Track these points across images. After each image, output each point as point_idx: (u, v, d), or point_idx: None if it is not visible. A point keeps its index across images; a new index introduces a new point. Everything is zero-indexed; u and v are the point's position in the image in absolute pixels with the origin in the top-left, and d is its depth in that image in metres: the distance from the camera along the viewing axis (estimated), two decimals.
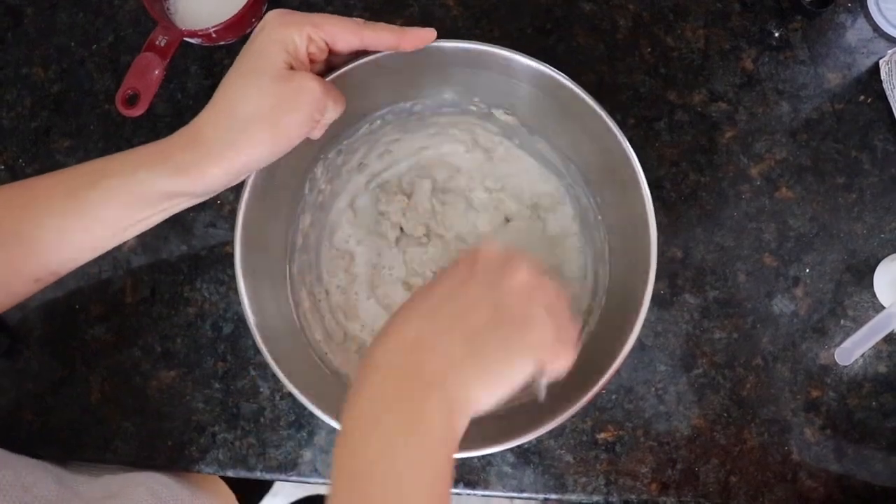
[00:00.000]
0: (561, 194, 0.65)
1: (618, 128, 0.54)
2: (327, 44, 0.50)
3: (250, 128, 0.47)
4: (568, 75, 0.69)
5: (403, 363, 0.43)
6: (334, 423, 0.52)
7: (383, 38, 0.51)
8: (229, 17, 0.65)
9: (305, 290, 0.63)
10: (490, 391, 0.44)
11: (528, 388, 0.46)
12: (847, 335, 0.65)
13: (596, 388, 0.51)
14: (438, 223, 0.66)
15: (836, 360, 0.62)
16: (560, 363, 0.47)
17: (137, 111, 0.64)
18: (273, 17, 0.49)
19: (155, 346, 0.67)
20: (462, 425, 0.43)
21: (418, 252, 0.66)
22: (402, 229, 0.66)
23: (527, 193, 0.66)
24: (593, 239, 0.62)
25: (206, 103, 0.49)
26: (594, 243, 0.62)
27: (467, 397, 0.43)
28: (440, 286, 0.47)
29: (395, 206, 0.66)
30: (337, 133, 0.60)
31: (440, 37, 0.53)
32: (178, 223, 0.69)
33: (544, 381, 0.47)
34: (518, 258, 0.47)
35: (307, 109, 0.48)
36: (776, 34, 0.71)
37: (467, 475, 0.65)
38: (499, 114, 0.62)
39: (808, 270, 0.67)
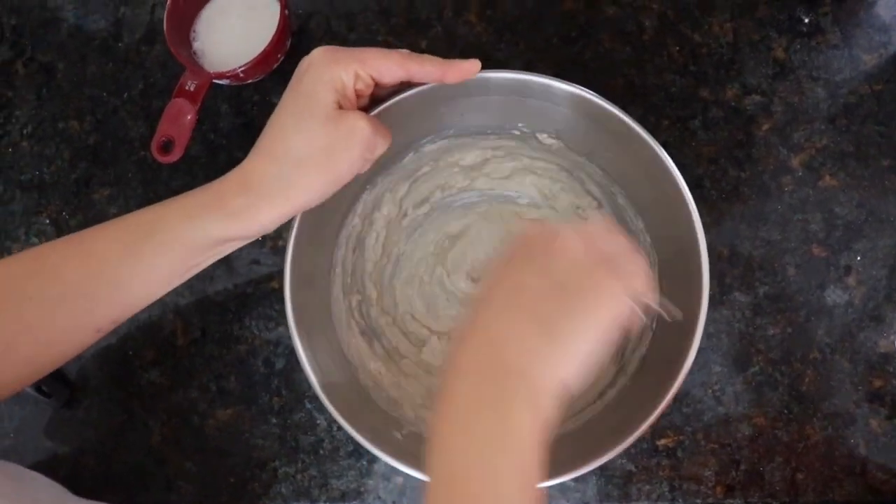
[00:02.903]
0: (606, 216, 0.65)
1: (660, 146, 0.54)
2: (373, 78, 0.50)
3: (302, 170, 0.47)
4: (597, 81, 0.70)
5: (483, 365, 0.43)
6: (396, 464, 0.53)
7: (428, 70, 0.51)
8: (255, 55, 0.66)
9: (353, 320, 0.63)
10: (574, 369, 0.44)
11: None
12: None
13: (665, 401, 0.51)
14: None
15: None
16: (646, 295, 0.46)
17: (173, 157, 0.65)
18: (319, 55, 0.48)
19: (210, 386, 0.68)
20: (552, 411, 0.43)
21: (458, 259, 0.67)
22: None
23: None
24: None
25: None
26: None
27: (552, 383, 0.43)
28: (499, 282, 0.46)
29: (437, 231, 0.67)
30: (382, 163, 0.60)
31: (468, 55, 0.53)
32: (222, 262, 0.69)
33: (653, 310, 0.47)
34: (559, 233, 0.46)
35: (358, 150, 0.48)
36: (806, 20, 0.70)
37: None
38: (543, 138, 0.61)
39: (859, 258, 0.66)
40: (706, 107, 0.69)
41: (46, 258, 0.49)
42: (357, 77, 0.49)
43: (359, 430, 0.53)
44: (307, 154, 0.47)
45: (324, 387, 0.54)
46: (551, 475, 0.51)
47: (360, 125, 0.48)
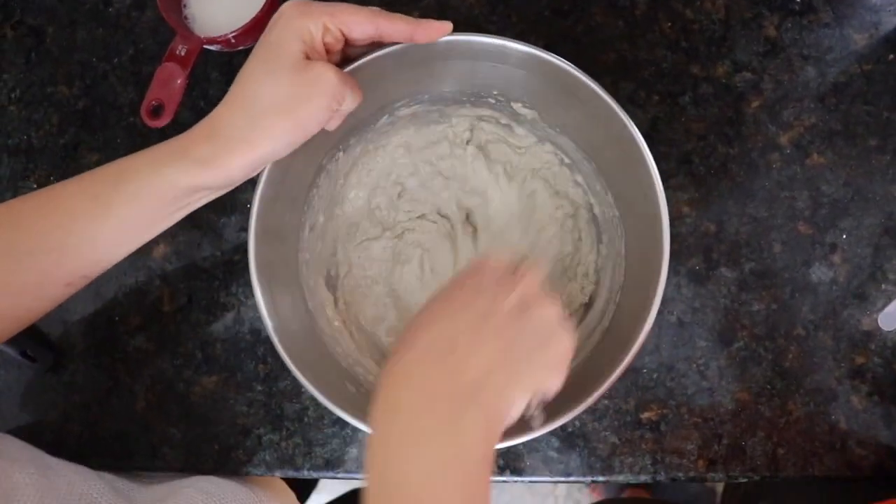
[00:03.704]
0: (578, 188, 0.65)
1: (626, 114, 0.53)
2: (343, 33, 0.50)
3: (268, 118, 0.48)
4: (589, 55, 0.70)
5: (437, 376, 0.43)
6: (344, 415, 0.54)
7: (398, 27, 0.51)
8: (247, 21, 0.66)
9: (322, 279, 0.64)
10: (522, 398, 0.45)
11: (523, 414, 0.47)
12: (889, 299, 0.64)
13: (624, 364, 0.52)
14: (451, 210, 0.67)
15: (880, 326, 0.61)
16: (558, 383, 0.47)
17: (162, 122, 0.64)
18: (289, 7, 0.49)
19: (195, 353, 0.68)
20: (497, 435, 0.44)
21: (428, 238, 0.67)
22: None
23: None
24: (612, 238, 0.62)
25: None
26: (611, 241, 0.62)
27: (501, 406, 0.44)
28: (455, 294, 0.47)
29: (410, 196, 0.67)
30: (355, 124, 0.60)
31: (460, 27, 0.53)
32: (209, 230, 0.69)
33: (538, 405, 0.48)
34: (524, 270, 0.48)
35: (325, 99, 0.49)
36: None
37: (513, 462, 0.65)
38: (518, 107, 0.61)
39: (844, 236, 0.66)
40: (696, 83, 0.69)
41: (17, 212, 0.50)
42: (326, 30, 0.49)
43: (307, 377, 0.53)
44: (272, 102, 0.48)
45: (277, 330, 0.54)
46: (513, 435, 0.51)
47: (326, 75, 0.48)
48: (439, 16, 0.71)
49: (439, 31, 0.52)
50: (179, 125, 0.70)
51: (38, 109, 0.72)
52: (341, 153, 0.63)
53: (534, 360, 0.45)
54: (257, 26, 0.66)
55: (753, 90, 0.69)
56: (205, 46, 0.66)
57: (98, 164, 0.70)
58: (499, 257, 0.49)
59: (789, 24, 0.69)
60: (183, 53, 0.65)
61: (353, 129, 0.61)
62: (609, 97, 0.53)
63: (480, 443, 0.42)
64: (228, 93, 0.49)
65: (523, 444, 0.64)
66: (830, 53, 0.69)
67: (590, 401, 0.51)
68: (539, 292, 0.47)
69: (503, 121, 0.64)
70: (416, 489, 0.40)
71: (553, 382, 0.46)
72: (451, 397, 0.42)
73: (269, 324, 0.54)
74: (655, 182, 0.53)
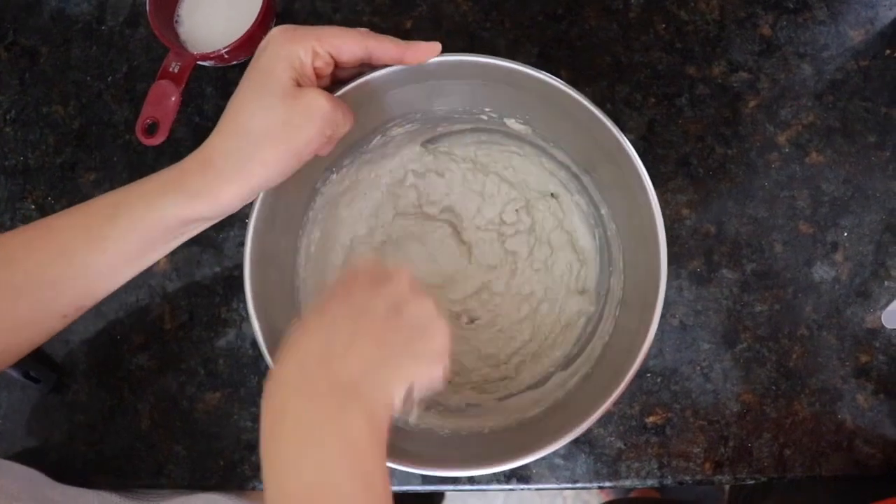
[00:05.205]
0: (570, 201, 0.65)
1: (619, 130, 0.53)
2: (332, 56, 0.50)
3: (261, 148, 0.47)
4: (583, 59, 0.69)
5: (316, 379, 0.43)
6: None
7: (387, 49, 0.51)
8: (240, 35, 0.65)
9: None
10: (402, 388, 0.46)
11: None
12: (892, 296, 0.64)
13: (627, 379, 0.51)
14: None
15: (883, 324, 0.61)
16: (439, 373, 0.48)
17: (158, 139, 0.64)
18: (277, 33, 0.48)
19: (198, 370, 0.68)
20: (383, 425, 0.44)
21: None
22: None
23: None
24: (610, 250, 0.61)
25: None
26: (610, 254, 0.62)
27: (380, 398, 0.44)
28: (331, 302, 0.47)
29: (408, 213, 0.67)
30: (349, 145, 0.60)
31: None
32: (209, 246, 0.69)
33: (420, 399, 0.48)
34: (397, 271, 0.49)
35: (318, 127, 0.48)
36: None
37: (519, 470, 0.65)
38: (511, 123, 0.61)
39: (845, 234, 0.66)
40: (693, 84, 0.69)
41: (10, 247, 0.49)
42: (315, 55, 0.48)
43: None
44: (265, 130, 0.47)
45: (271, 347, 0.54)
46: (522, 456, 0.52)
47: (318, 102, 0.48)
48: (433, 23, 0.71)
49: (428, 53, 0.52)
50: (175, 142, 0.70)
51: (34, 130, 0.72)
52: (335, 175, 0.62)
53: (411, 354, 0.46)
54: (250, 40, 0.66)
55: (750, 90, 0.68)
56: (198, 62, 0.66)
57: (95, 182, 0.71)
58: (366, 264, 0.50)
59: (784, 23, 0.69)
60: (176, 70, 0.65)
61: (347, 151, 0.61)
62: (597, 109, 0.53)
63: (366, 434, 0.43)
64: (220, 121, 0.49)
65: None
66: (826, 50, 0.68)
67: (596, 415, 0.51)
68: (409, 290, 0.48)
69: (495, 137, 0.64)
70: (312, 482, 0.41)
71: (434, 373, 0.47)
72: (332, 395, 0.43)
73: (265, 351, 0.54)
74: (650, 195, 0.52)
